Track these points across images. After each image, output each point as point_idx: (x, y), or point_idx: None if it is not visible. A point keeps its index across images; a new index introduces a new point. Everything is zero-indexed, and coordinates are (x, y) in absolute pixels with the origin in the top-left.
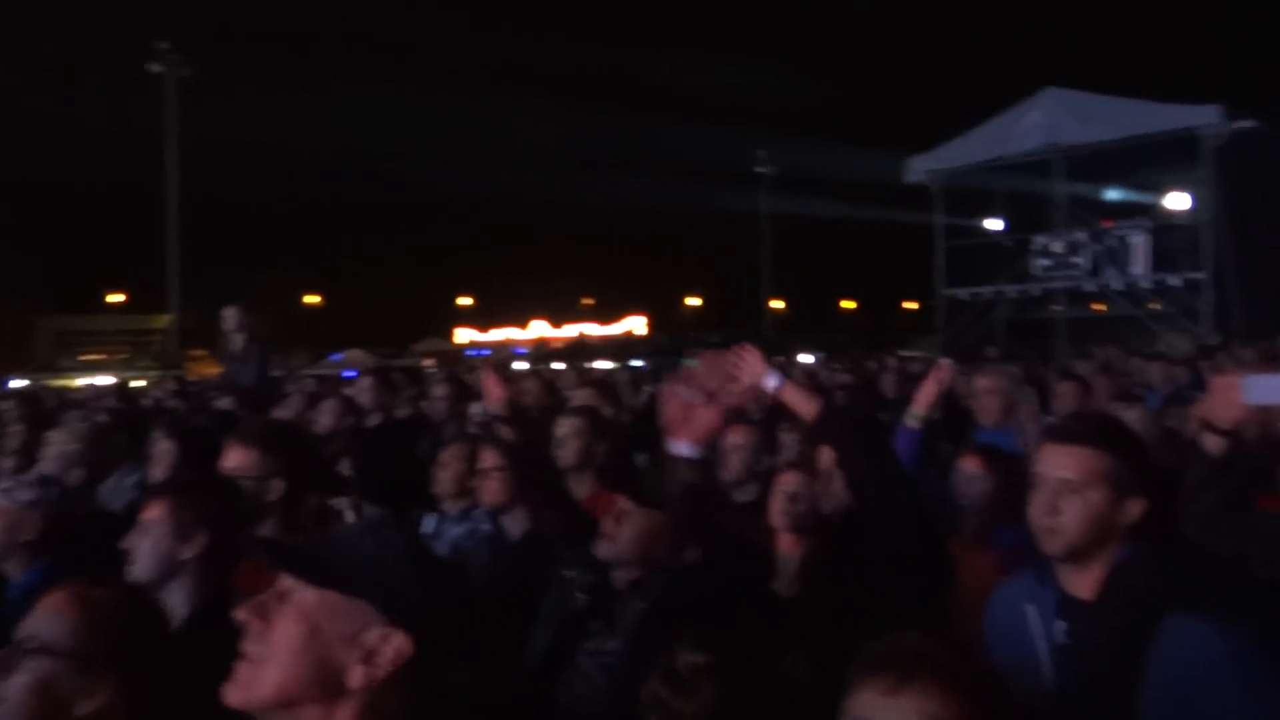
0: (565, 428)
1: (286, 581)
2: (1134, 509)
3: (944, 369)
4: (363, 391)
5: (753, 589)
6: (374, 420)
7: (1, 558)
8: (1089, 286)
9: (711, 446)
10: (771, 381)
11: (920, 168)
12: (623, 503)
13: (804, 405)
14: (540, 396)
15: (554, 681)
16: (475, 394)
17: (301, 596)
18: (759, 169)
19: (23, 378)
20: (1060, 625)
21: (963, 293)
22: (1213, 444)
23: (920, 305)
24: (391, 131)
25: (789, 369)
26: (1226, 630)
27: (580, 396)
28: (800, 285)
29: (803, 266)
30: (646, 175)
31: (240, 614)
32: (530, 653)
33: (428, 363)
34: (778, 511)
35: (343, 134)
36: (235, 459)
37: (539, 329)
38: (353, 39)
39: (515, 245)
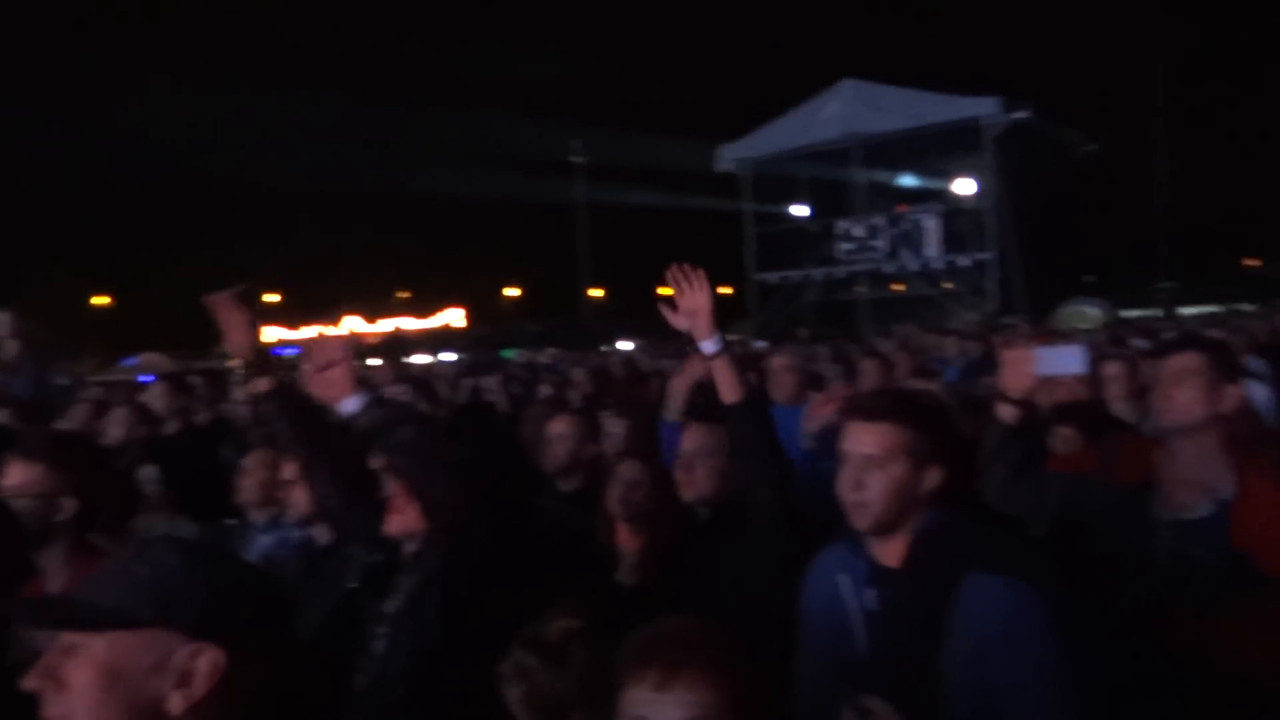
0: None
1: (68, 636)
2: (934, 478)
3: (692, 362)
4: (156, 398)
5: (584, 575)
6: (171, 428)
7: None
8: (888, 268)
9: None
10: (710, 346)
11: (729, 156)
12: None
13: (732, 385)
14: None
15: (342, 667)
16: (291, 394)
17: (88, 646)
18: (574, 158)
19: None
20: (871, 593)
21: (773, 277)
22: (1006, 413)
23: (734, 290)
24: (186, 119)
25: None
26: (1020, 587)
27: (393, 393)
28: (619, 273)
29: (621, 255)
30: (461, 166)
31: (30, 683)
32: (307, 636)
33: (233, 364)
34: (615, 500)
35: (132, 119)
36: (17, 476)
37: (352, 324)
38: (144, 17)
39: (325, 238)
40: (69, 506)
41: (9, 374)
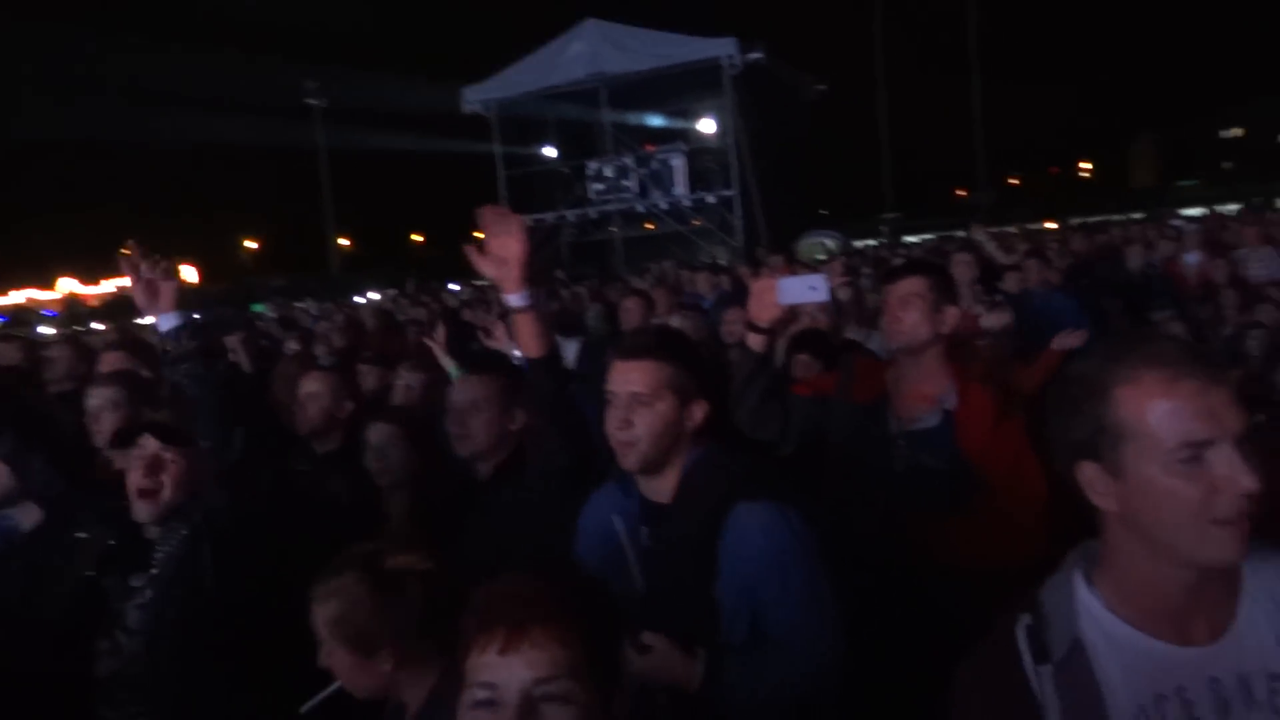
0: (96, 399)
1: None
2: (699, 412)
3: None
4: None
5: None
6: None
7: None
8: (639, 207)
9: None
10: (518, 300)
11: (475, 98)
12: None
13: (538, 340)
14: (73, 365)
15: (84, 653)
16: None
17: None
18: (310, 101)
19: None
20: (645, 530)
21: (527, 219)
22: (755, 342)
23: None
24: None
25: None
26: (784, 511)
27: (110, 361)
28: (367, 221)
29: (367, 202)
30: (184, 110)
31: None
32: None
33: None
34: (370, 465)
35: None
36: None
37: (68, 286)
38: None
39: (30, 192)
40: None
41: None
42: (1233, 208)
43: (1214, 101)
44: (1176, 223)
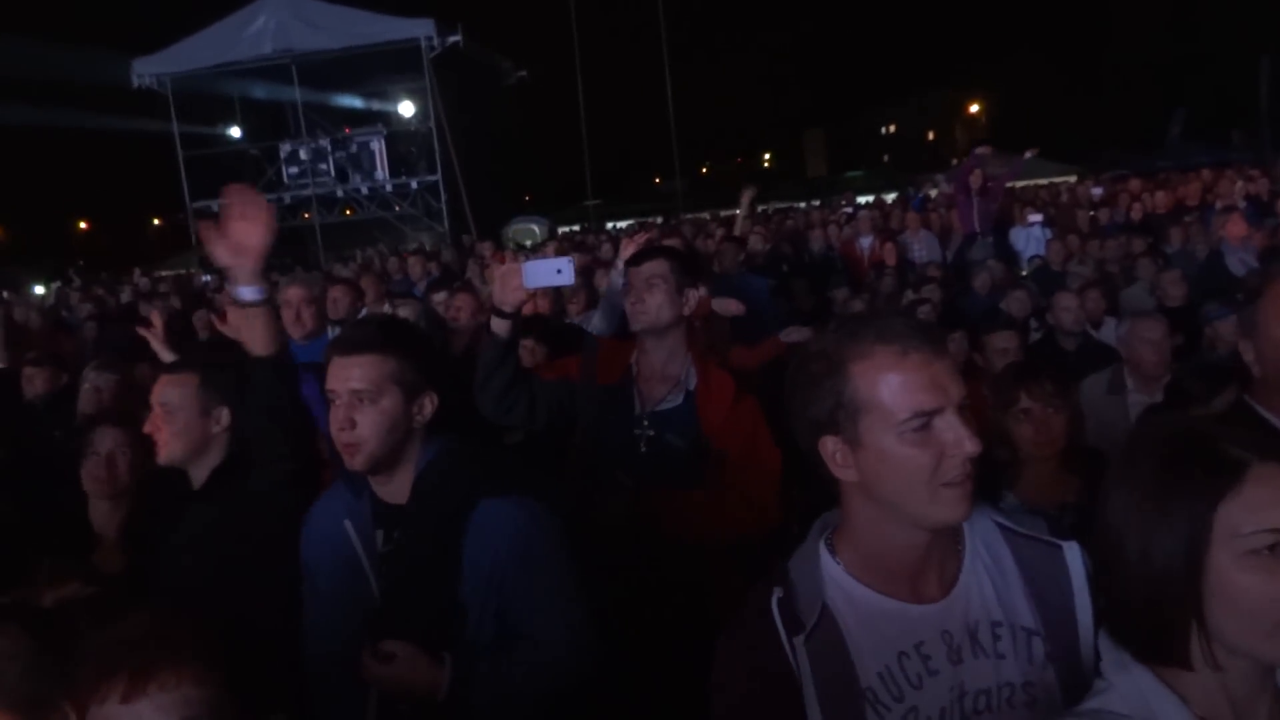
0: None
1: None
2: (429, 405)
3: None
4: None
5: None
6: None
7: None
8: (339, 192)
9: None
10: (250, 293)
11: (147, 71)
12: None
13: (267, 338)
14: None
15: None
16: None
17: None
18: None
19: None
20: (379, 534)
21: (214, 204)
22: (499, 326)
23: (168, 221)
24: None
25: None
26: (527, 504)
27: None
28: (26, 206)
29: (25, 184)
30: None
31: None
32: None
33: None
34: (91, 476)
35: None
36: None
37: None
38: None
39: None
40: None
41: None
42: (891, 196)
43: (873, 99)
44: (849, 209)
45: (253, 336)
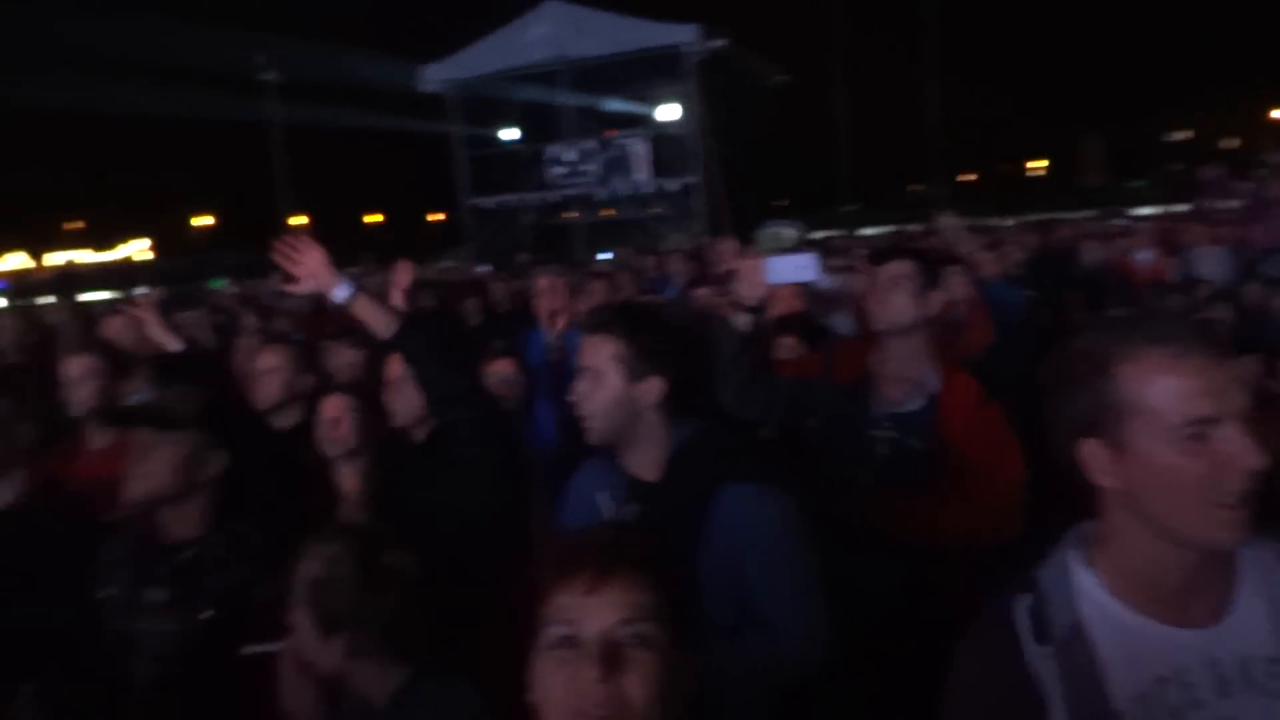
0: (77, 368)
1: None
2: (654, 389)
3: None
4: None
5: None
6: None
7: None
8: (600, 193)
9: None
10: (341, 293)
11: (434, 77)
12: (141, 436)
13: (381, 319)
14: (24, 334)
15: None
16: None
17: None
18: (263, 75)
19: None
20: (630, 508)
21: (487, 202)
22: (741, 321)
23: (446, 216)
24: None
25: None
26: (774, 494)
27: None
28: (322, 199)
29: (324, 180)
30: (133, 80)
31: None
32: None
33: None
34: (324, 439)
35: None
36: None
37: (17, 261)
38: None
39: None
40: None
41: None
42: (1182, 208)
43: (1159, 104)
44: (1124, 221)
45: (373, 321)
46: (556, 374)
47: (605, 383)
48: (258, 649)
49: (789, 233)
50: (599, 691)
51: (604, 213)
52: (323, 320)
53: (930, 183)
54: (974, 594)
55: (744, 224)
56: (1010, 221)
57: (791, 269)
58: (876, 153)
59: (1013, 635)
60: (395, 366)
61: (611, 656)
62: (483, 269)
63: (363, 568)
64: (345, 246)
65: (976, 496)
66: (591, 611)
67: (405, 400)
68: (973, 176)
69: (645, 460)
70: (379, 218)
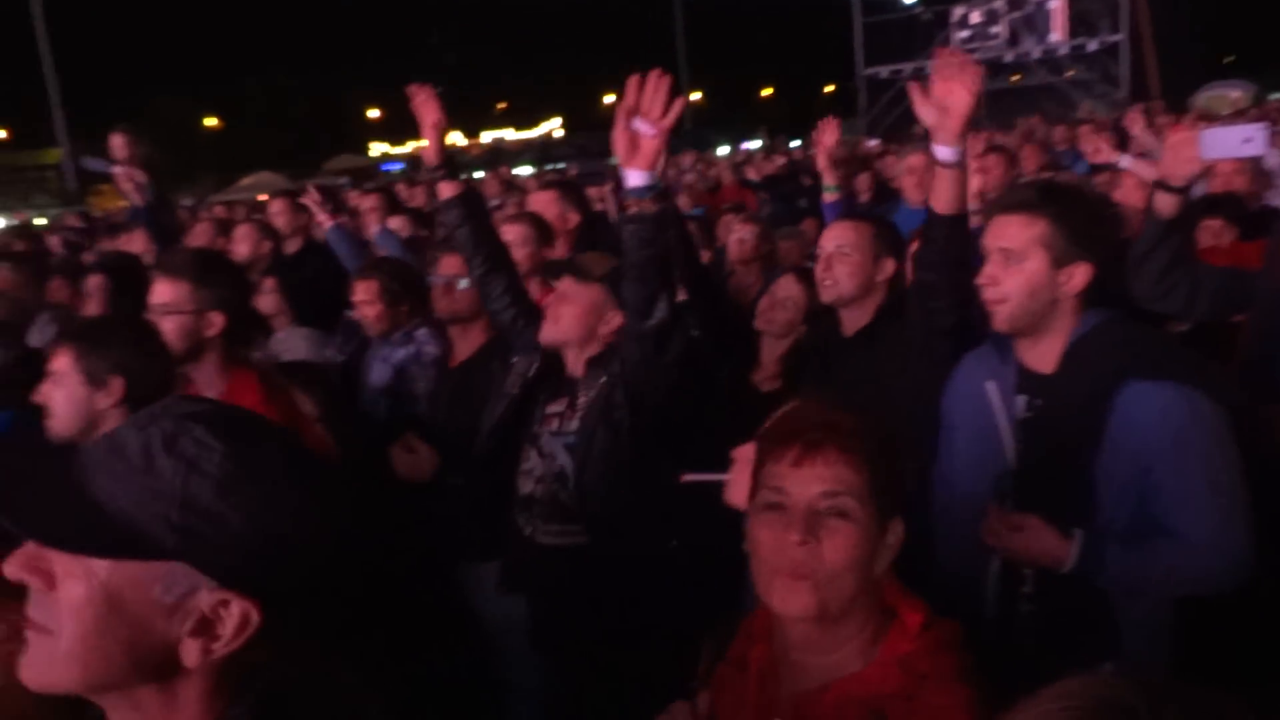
0: (512, 234)
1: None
2: (1079, 276)
3: (826, 131)
4: (277, 215)
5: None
6: (293, 245)
7: None
8: (1008, 57)
9: (664, 173)
10: (947, 154)
11: None
12: (563, 285)
13: (953, 196)
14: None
15: (509, 470)
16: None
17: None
18: None
19: None
20: (1021, 400)
21: (883, 71)
22: (1165, 203)
23: (837, 88)
24: None
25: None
26: (1187, 392)
27: (540, 201)
28: (719, 74)
29: (720, 54)
30: None
31: (9, 569)
32: (479, 441)
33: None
34: (763, 316)
35: None
36: (166, 294)
37: (453, 138)
38: None
39: (416, 54)
40: (216, 321)
41: (131, 197)
42: None
43: None
44: None
45: (939, 194)
46: None
47: (1025, 267)
48: (701, 477)
49: (1235, 94)
50: (798, 553)
51: (1012, 79)
52: (720, 196)
53: None
54: None
55: (1180, 88)
56: None
57: (1234, 142)
58: None
59: None
60: (834, 238)
61: (811, 524)
62: (871, 142)
63: None
64: (739, 122)
65: None
66: (797, 482)
67: (839, 274)
68: None
69: (1043, 351)
70: (769, 91)
